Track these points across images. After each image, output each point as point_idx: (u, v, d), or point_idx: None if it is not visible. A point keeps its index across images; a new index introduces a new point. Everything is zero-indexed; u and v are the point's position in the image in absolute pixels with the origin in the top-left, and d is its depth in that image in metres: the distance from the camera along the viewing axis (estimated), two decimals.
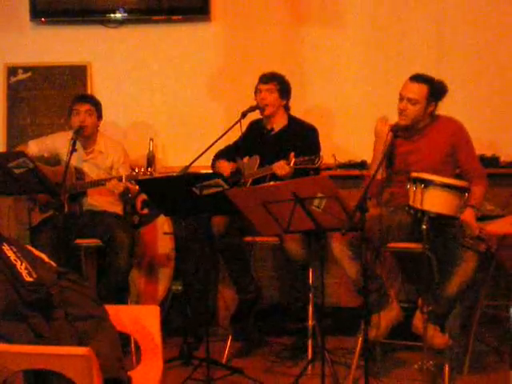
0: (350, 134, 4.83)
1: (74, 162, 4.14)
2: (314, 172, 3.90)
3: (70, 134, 4.14)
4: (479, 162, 3.89)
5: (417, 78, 3.70)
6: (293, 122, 4.26)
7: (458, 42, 4.79)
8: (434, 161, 3.71)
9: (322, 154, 3.92)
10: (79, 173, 4.22)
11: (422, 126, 3.77)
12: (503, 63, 4.77)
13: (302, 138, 4.14)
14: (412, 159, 3.75)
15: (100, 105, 4.34)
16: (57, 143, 4.33)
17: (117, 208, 4.31)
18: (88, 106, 4.26)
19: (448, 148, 3.74)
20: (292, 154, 3.88)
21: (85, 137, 4.26)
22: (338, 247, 3.64)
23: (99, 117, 4.32)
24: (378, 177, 3.62)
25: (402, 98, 3.71)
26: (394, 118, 3.75)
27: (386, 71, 4.78)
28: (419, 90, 3.67)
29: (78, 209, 4.20)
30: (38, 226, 4.14)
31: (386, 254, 3.99)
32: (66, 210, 4.08)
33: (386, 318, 3.65)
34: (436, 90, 3.70)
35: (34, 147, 4.39)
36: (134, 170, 4.11)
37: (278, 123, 4.24)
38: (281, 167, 3.91)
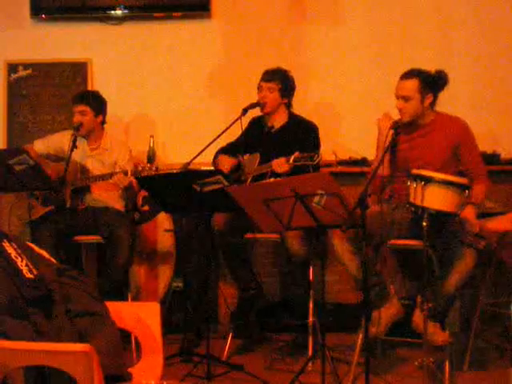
0: (351, 131, 4.83)
1: (78, 158, 4.16)
2: (313, 169, 3.89)
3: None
4: (482, 162, 3.88)
5: (406, 75, 3.71)
6: (293, 119, 4.24)
7: (461, 38, 4.78)
8: (435, 159, 3.70)
9: (321, 151, 3.91)
10: (83, 168, 4.23)
11: (425, 122, 3.76)
12: (505, 60, 4.77)
13: (301, 134, 4.12)
14: (413, 156, 3.74)
15: (97, 102, 4.30)
16: (63, 140, 4.32)
17: (119, 204, 4.32)
18: (82, 106, 4.25)
19: (451, 148, 3.73)
20: (297, 153, 3.84)
21: (82, 135, 4.26)
22: (339, 244, 3.64)
23: (97, 114, 4.29)
24: (381, 173, 3.61)
25: (397, 98, 3.71)
26: (395, 115, 3.75)
27: (388, 68, 4.76)
28: (410, 86, 3.67)
29: (78, 204, 4.21)
30: (39, 220, 4.14)
31: (387, 250, 3.99)
32: (68, 204, 4.10)
33: (387, 314, 3.65)
34: (430, 81, 3.68)
35: (39, 145, 4.41)
36: (137, 166, 4.13)
37: (279, 120, 4.23)
38: (279, 164, 3.89)
